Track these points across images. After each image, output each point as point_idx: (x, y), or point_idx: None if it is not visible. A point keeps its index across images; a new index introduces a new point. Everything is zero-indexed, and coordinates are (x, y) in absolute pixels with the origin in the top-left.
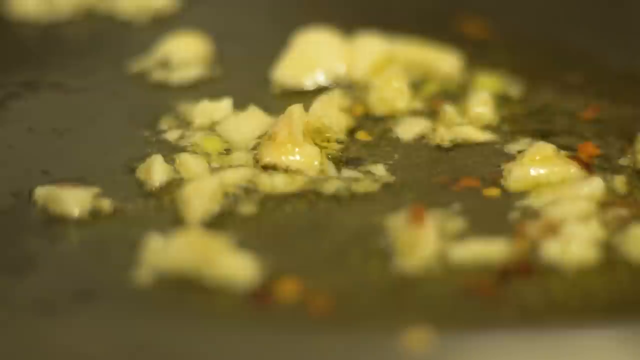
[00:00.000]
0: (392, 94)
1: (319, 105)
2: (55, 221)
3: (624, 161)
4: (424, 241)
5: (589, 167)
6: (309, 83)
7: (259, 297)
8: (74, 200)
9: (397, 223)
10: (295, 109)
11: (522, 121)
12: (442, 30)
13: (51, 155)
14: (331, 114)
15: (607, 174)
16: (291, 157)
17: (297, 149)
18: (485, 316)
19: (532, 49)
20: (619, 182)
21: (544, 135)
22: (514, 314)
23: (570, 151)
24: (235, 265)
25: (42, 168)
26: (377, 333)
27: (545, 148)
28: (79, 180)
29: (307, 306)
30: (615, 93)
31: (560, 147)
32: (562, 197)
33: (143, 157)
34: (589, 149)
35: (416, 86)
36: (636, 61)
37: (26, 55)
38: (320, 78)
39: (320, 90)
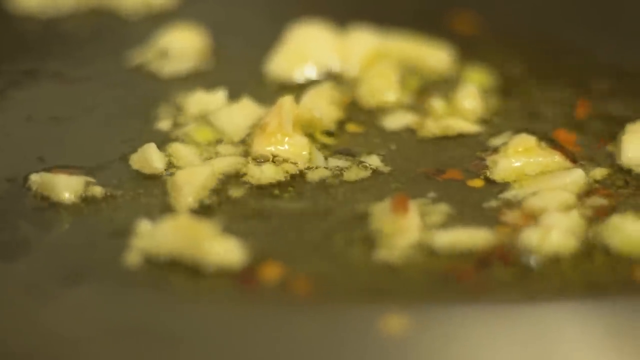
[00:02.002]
0: (381, 87)
1: (310, 97)
2: (48, 207)
3: (606, 153)
4: (406, 229)
5: (572, 156)
6: (301, 76)
7: (243, 279)
8: (67, 187)
9: (381, 211)
10: (286, 101)
11: (510, 115)
12: (433, 26)
13: (48, 142)
14: (321, 105)
15: (590, 166)
16: (280, 147)
17: (286, 139)
18: (465, 301)
19: (521, 44)
20: (601, 173)
21: (531, 129)
22: (493, 299)
23: (552, 142)
24: (221, 250)
25: (38, 155)
26: (357, 316)
27: (528, 139)
28: (73, 167)
29: (289, 288)
30: (603, 88)
31: (546, 140)
32: (544, 187)
33: (137, 146)
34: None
35: (406, 80)
36: (625, 57)
37: (27, 46)
38: (312, 71)
39: (312, 83)
